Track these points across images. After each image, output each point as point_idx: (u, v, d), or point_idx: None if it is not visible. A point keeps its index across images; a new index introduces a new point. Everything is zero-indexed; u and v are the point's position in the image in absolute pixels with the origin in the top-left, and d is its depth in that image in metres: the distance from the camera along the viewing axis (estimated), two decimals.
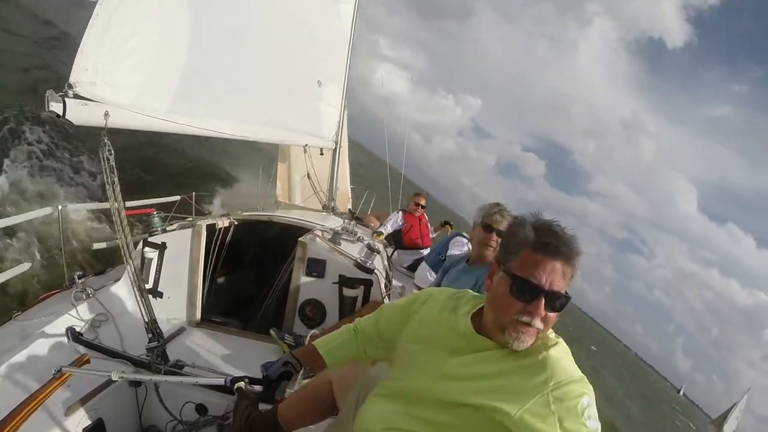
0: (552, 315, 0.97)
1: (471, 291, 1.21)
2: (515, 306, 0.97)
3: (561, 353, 0.99)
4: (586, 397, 0.90)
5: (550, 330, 1.03)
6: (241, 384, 1.25)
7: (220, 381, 1.31)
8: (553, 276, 0.95)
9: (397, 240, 4.85)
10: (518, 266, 0.98)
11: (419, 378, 1.08)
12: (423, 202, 4.88)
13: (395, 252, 4.90)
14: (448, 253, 3.62)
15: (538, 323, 0.96)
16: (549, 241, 0.96)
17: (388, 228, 4.67)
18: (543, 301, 0.95)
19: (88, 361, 1.84)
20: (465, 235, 3.69)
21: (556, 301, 0.97)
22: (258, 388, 1.28)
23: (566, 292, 0.98)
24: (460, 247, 3.61)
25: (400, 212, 4.83)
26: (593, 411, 0.89)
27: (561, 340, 1.03)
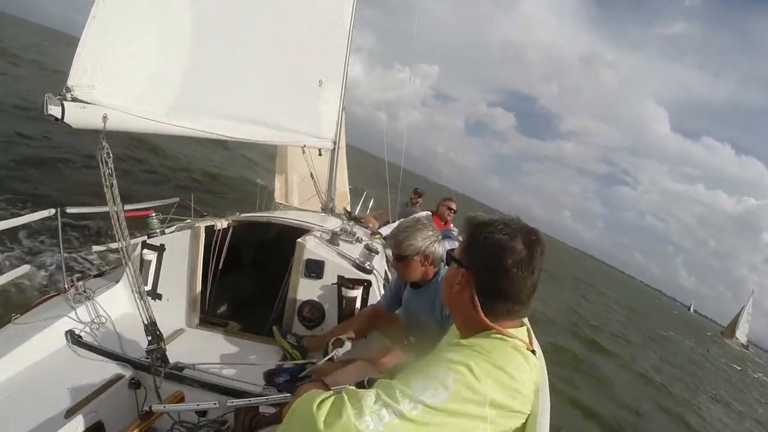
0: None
1: None
2: None
3: (476, 342, 0.94)
4: (444, 368, 0.83)
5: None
6: None
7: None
8: None
9: None
10: None
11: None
12: (454, 206, 4.88)
13: None
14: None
15: None
16: None
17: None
18: None
19: (182, 399, 1.81)
20: (453, 232, 3.66)
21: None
22: None
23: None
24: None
25: (430, 214, 4.89)
26: (441, 384, 0.80)
27: (495, 340, 0.95)
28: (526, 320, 1.05)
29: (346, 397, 0.78)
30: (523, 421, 0.94)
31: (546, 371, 1.29)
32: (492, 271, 0.95)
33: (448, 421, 0.78)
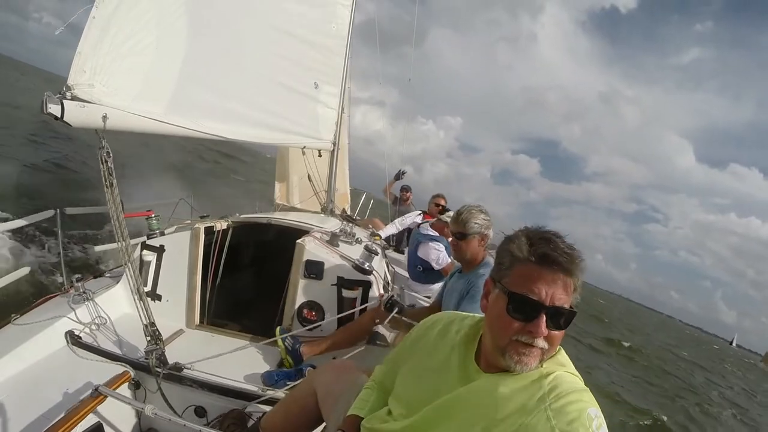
0: (556, 333, 0.88)
1: (472, 315, 1.15)
2: (514, 326, 0.88)
3: (558, 366, 0.91)
4: (591, 408, 0.81)
5: None
6: None
7: None
8: (554, 289, 0.86)
9: (408, 237, 4.94)
10: (514, 282, 0.90)
11: (417, 416, 1.01)
12: (442, 202, 4.94)
13: (406, 250, 5.03)
14: (423, 261, 3.62)
15: (541, 343, 0.87)
16: (545, 251, 0.87)
17: (406, 222, 4.87)
18: (544, 318, 0.86)
19: (129, 379, 1.84)
20: (431, 233, 3.68)
21: (560, 318, 0.87)
22: None
23: (572, 307, 0.89)
24: (430, 250, 3.58)
25: (422, 213, 4.92)
26: (603, 424, 0.80)
27: (560, 350, 0.95)
28: None
29: None
30: None
31: None
32: None
33: None
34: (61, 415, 1.53)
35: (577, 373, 0.92)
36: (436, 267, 3.54)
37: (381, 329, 2.25)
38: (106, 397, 1.62)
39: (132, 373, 1.88)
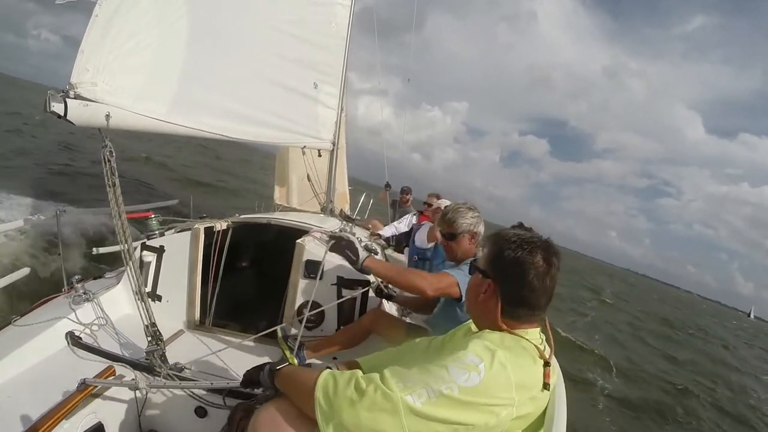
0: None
1: None
2: None
3: (494, 334, 1.08)
4: (474, 355, 0.94)
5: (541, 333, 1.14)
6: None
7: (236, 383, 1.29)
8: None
9: (408, 238, 5.00)
10: None
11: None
12: (433, 202, 5.01)
13: (405, 249, 5.09)
14: (419, 249, 3.69)
15: None
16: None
17: (402, 227, 4.88)
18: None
19: (113, 373, 1.82)
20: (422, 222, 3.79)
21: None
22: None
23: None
24: (419, 230, 3.68)
25: (417, 214, 5.02)
26: (474, 369, 0.91)
27: (506, 335, 1.08)
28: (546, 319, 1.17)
29: (389, 374, 0.91)
30: (534, 414, 1.02)
31: (562, 378, 1.38)
32: (516, 283, 1.06)
33: (480, 402, 0.89)
34: (49, 410, 1.53)
35: (508, 345, 1.07)
36: (427, 240, 3.65)
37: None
38: (93, 387, 1.63)
39: (132, 373, 1.88)
